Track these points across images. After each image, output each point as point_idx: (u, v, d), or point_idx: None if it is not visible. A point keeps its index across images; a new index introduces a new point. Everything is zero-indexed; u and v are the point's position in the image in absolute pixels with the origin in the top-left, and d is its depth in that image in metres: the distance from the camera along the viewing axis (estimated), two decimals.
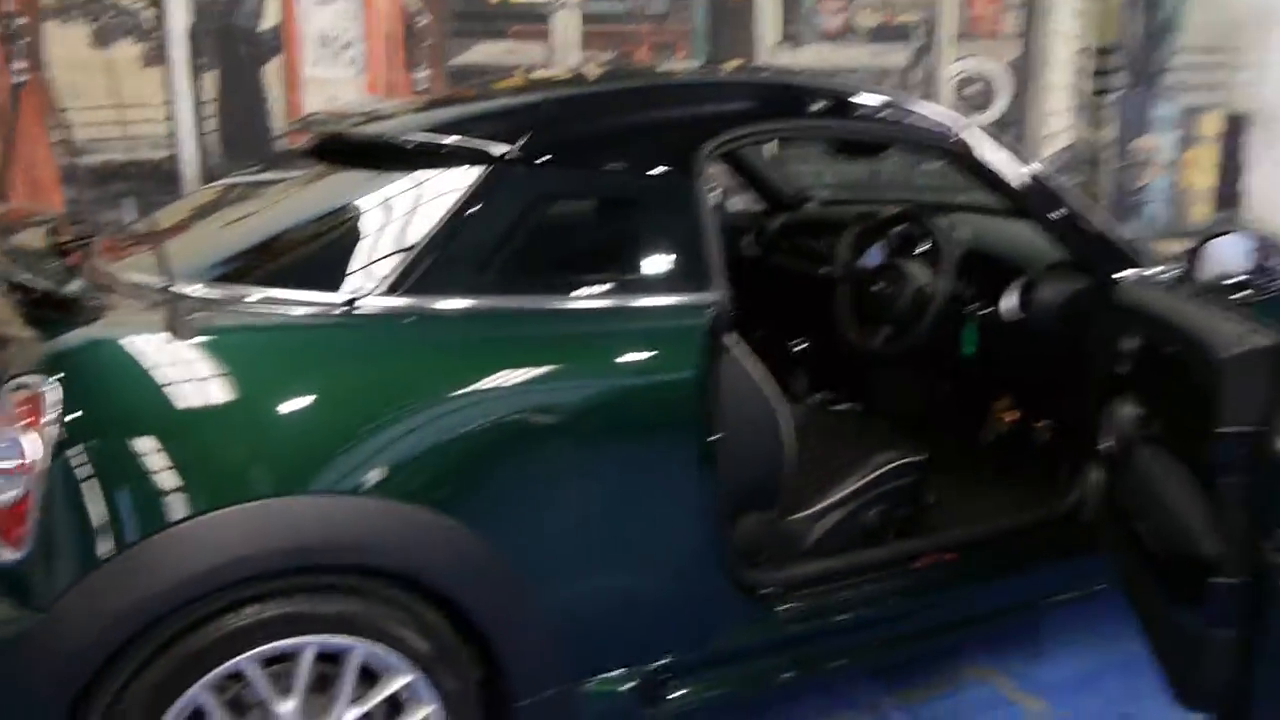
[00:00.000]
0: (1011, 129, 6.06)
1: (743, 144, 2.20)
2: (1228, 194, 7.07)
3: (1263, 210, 7.22)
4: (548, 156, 1.94)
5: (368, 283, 1.80)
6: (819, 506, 2.39)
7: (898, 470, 2.47)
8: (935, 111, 2.41)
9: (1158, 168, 6.59)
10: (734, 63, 4.23)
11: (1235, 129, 7.00)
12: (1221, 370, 1.68)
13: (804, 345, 3.40)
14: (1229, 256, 2.31)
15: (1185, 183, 6.84)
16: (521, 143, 1.93)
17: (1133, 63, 6.29)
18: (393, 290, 1.80)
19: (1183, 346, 1.85)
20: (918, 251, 2.77)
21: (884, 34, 5.51)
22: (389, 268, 1.82)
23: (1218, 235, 2.30)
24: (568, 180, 1.96)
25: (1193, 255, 2.31)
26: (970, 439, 2.95)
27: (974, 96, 5.88)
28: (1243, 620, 1.68)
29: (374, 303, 1.79)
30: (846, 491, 2.41)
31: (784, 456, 2.12)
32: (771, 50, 5.17)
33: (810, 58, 5.28)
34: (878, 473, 2.44)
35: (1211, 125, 6.88)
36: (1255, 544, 1.61)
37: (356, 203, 2.00)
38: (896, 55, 5.56)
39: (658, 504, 1.94)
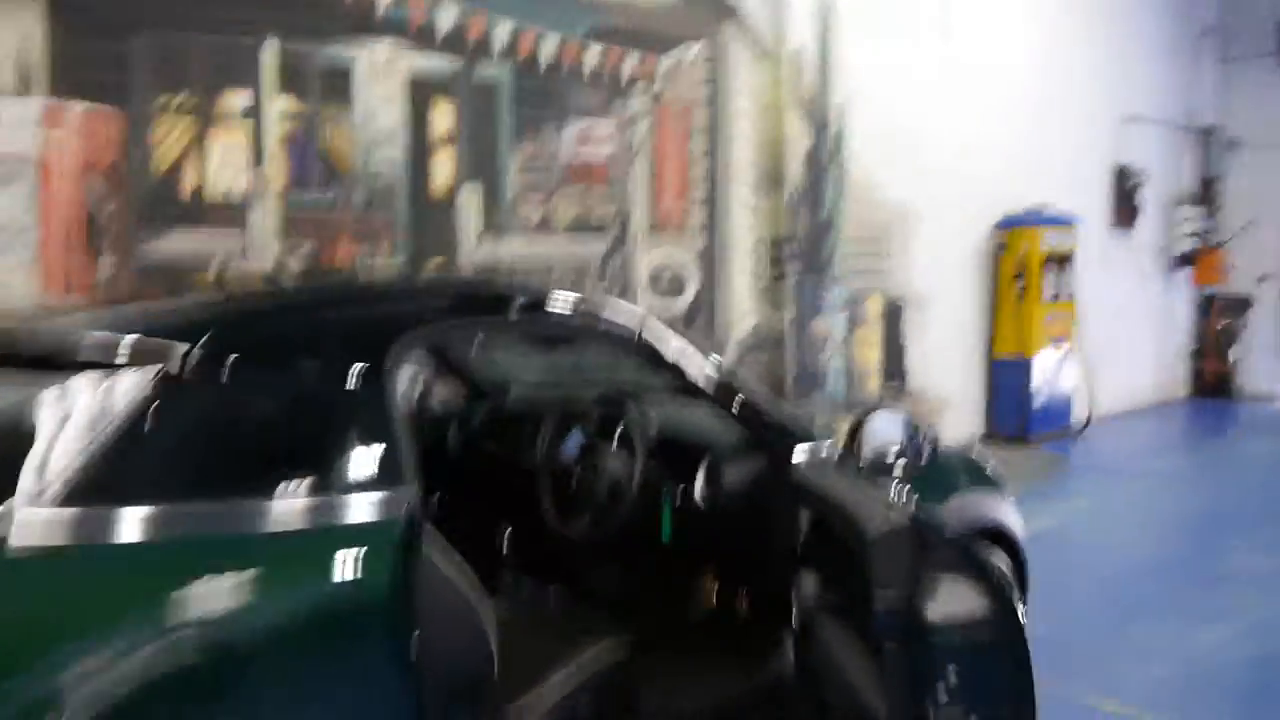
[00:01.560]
0: (703, 313, 6.54)
1: (435, 340, 2.25)
2: (892, 369, 7.92)
3: (921, 380, 8.14)
4: (231, 356, 1.89)
5: (28, 492, 1.66)
6: (529, 697, 2.36)
7: (604, 653, 2.50)
8: (621, 308, 2.58)
9: (833, 346, 7.29)
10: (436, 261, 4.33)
11: (893, 311, 7.92)
12: (870, 547, 1.86)
13: (512, 534, 3.42)
14: (884, 433, 2.58)
15: (859, 359, 7.60)
16: (203, 341, 1.88)
17: (803, 254, 7.03)
18: (57, 502, 1.67)
19: (843, 524, 2.04)
20: (613, 439, 2.89)
21: (582, 227, 5.86)
22: (53, 477, 1.69)
23: (871, 414, 2.57)
24: (250, 381, 1.92)
25: (853, 434, 2.56)
26: (678, 617, 3.04)
27: (668, 284, 6.32)
28: None
29: (33, 514, 1.65)
30: (556, 679, 2.41)
31: (488, 650, 2.10)
32: (475, 242, 5.35)
33: (513, 249, 5.50)
34: (585, 657, 2.46)
35: (874, 308, 7.75)
36: (916, 703, 1.76)
37: (14, 411, 1.85)
38: (594, 247, 5.91)
39: (359, 710, 1.85)
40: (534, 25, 5.48)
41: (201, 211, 4.54)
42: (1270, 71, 11.08)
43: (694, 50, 6.32)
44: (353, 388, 1.98)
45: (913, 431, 2.57)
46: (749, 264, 6.81)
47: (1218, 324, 11.32)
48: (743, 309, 6.77)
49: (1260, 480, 7.51)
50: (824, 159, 7.04)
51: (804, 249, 7.02)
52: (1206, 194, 11.34)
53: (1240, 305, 11.25)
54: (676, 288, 6.39)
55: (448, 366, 3.68)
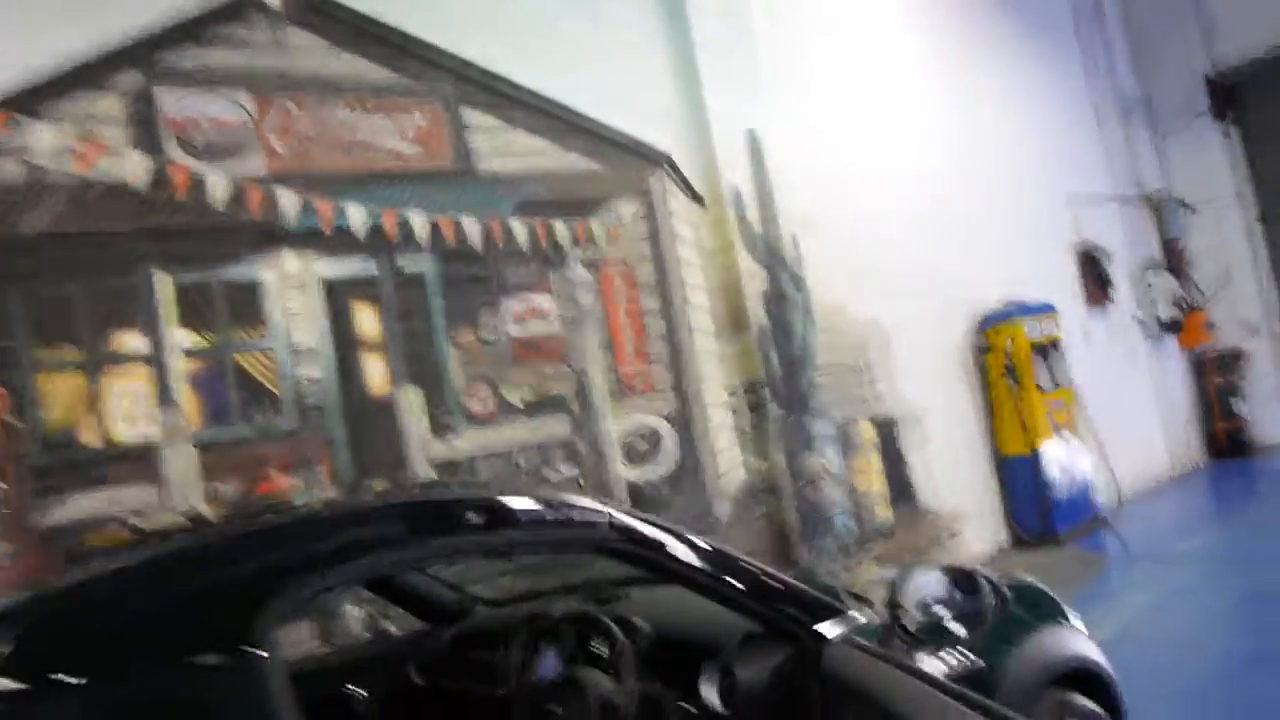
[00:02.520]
0: (687, 475, 6.03)
1: (324, 591, 1.73)
2: (898, 492, 7.37)
3: (930, 498, 7.58)
4: (35, 675, 1.37)
5: None
6: None
7: None
8: (584, 503, 2.09)
9: (832, 481, 6.76)
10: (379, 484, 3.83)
11: (886, 432, 7.43)
12: None
13: None
14: (927, 591, 2.06)
15: (862, 489, 7.06)
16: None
17: (781, 392, 6.58)
18: None
19: None
20: (597, 650, 2.34)
21: (540, 408, 5.40)
22: None
23: (907, 574, 2.05)
24: (74, 705, 1.39)
25: (894, 602, 2.04)
26: None
27: (644, 452, 5.82)
28: None
29: None
30: None
31: None
32: (423, 446, 4.86)
33: (467, 445, 5.02)
34: None
35: (865, 433, 7.26)
36: None
37: None
38: (557, 426, 5.43)
39: None
40: (451, 213, 5.16)
41: (107, 467, 4.05)
42: (1204, 130, 11.07)
43: (627, 207, 6.03)
44: (218, 684, 1.46)
45: (959, 584, 2.05)
46: (726, 415, 6.35)
47: (1214, 382, 10.91)
48: (729, 463, 6.27)
49: None
50: (784, 291, 6.69)
51: (781, 387, 6.58)
52: (1172, 258, 11.13)
53: (1232, 359, 10.89)
54: (654, 454, 5.89)
55: (396, 594, 3.13)
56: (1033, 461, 7.96)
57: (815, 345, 6.84)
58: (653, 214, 6.15)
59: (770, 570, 2.24)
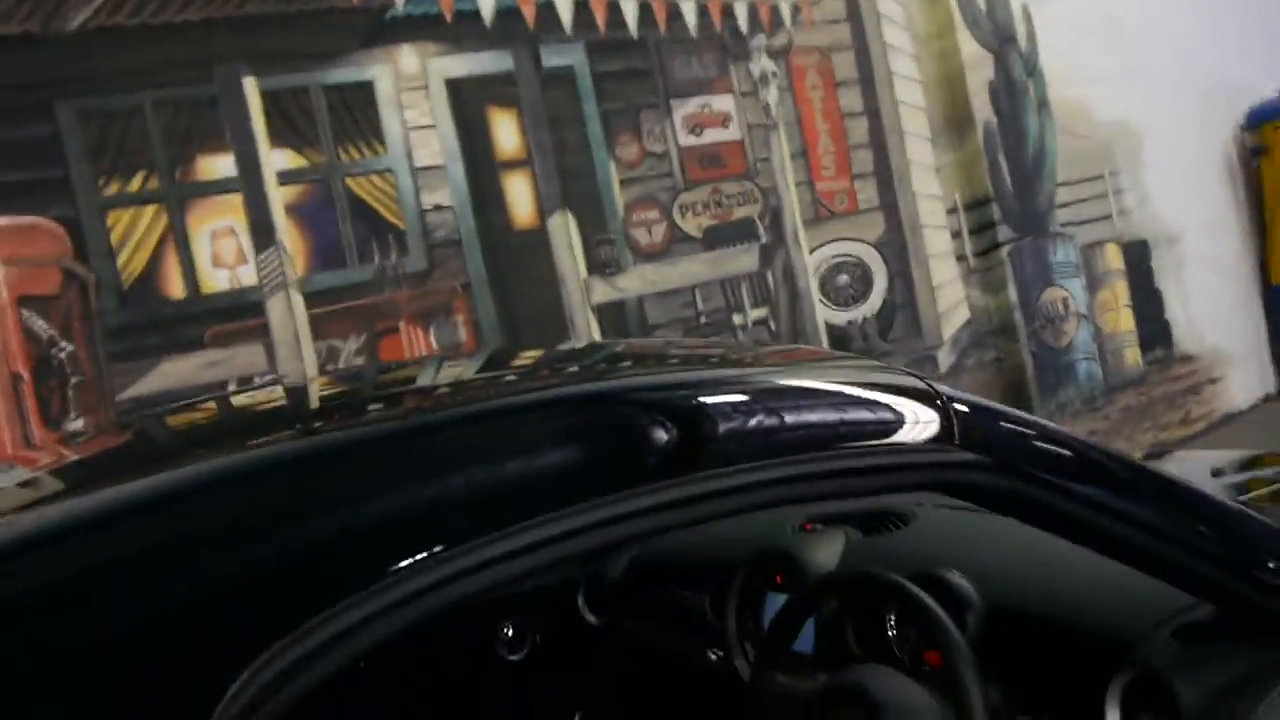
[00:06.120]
0: (899, 315, 4.94)
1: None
2: (1148, 332, 6.09)
3: (1187, 340, 6.27)
4: None
5: None
6: None
7: None
8: (902, 381, 1.11)
9: (1074, 320, 5.55)
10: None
11: (1136, 260, 6.10)
12: None
13: None
14: None
15: (1107, 328, 5.82)
16: None
17: (1011, 210, 5.33)
18: None
19: None
20: (895, 633, 1.37)
21: (722, 236, 4.37)
22: None
23: None
24: None
25: None
26: None
27: (848, 287, 4.75)
28: None
29: None
30: None
31: None
32: (581, 287, 3.91)
33: (634, 285, 4.05)
34: None
35: (1112, 260, 5.95)
36: None
37: None
38: (743, 259, 4.39)
39: None
40: None
41: (198, 326, 3.28)
42: None
43: None
44: None
45: None
46: (946, 240, 5.16)
47: None
48: (950, 299, 5.12)
49: None
50: (1015, 82, 5.35)
51: (1013, 204, 5.32)
52: None
53: None
54: (859, 291, 4.81)
55: None
56: None
57: (1055, 150, 5.52)
58: None
59: (1219, 501, 1.21)
